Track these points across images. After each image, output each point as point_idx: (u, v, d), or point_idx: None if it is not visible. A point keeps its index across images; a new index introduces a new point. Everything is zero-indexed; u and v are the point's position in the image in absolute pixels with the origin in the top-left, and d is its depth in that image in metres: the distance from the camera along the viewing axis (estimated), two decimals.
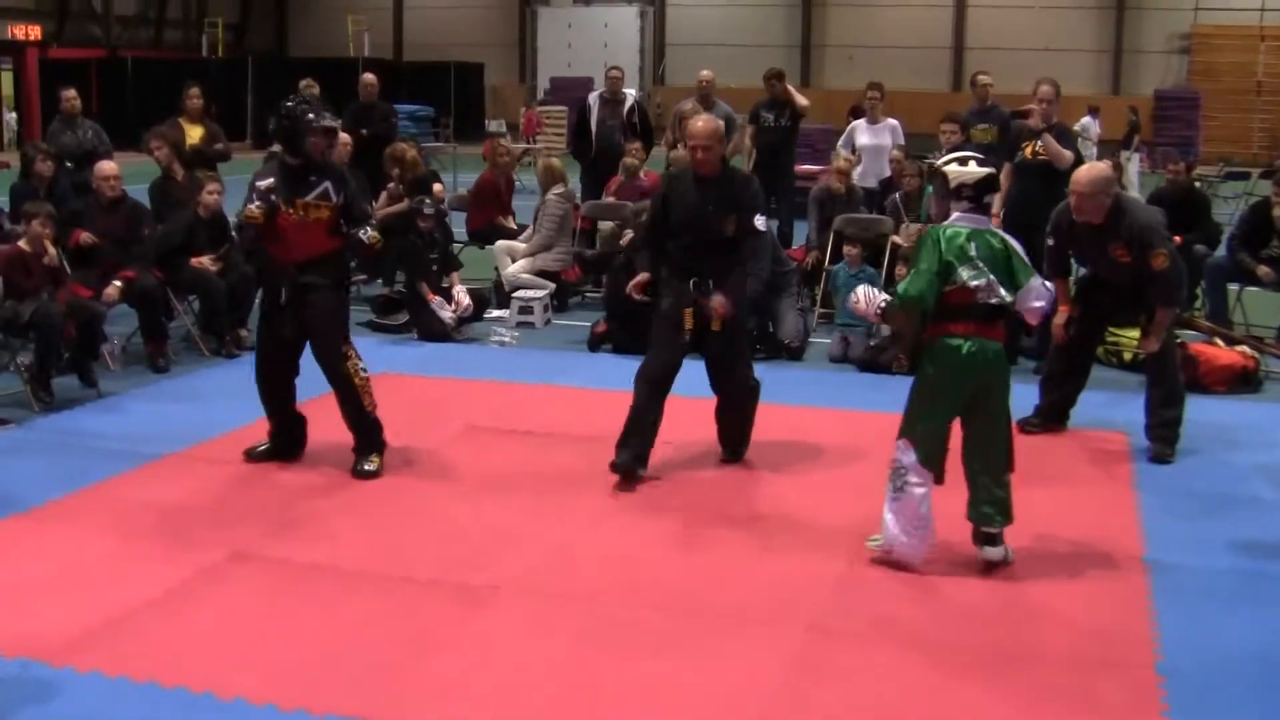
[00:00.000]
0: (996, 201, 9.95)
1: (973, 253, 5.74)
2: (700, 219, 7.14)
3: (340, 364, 7.19)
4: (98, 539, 6.15)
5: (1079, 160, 9.56)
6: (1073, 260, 8.33)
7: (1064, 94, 9.86)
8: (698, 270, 7.17)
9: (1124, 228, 7.58)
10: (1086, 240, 7.83)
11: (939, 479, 5.89)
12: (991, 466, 5.87)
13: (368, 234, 7.18)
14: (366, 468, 7.19)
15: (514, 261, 12.06)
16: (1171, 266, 7.53)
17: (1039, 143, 9.54)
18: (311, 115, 7.10)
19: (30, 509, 6.54)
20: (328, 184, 7.14)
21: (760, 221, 7.21)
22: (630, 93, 14.20)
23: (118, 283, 9.23)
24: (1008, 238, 5.92)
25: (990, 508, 5.85)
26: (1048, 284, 6.02)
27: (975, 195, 5.86)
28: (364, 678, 4.78)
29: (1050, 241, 8.10)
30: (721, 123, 7.55)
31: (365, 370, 7.28)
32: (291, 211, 7.09)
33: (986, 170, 5.93)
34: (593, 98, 14.07)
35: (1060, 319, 7.99)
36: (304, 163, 7.10)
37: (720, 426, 7.55)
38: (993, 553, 5.87)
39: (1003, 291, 5.75)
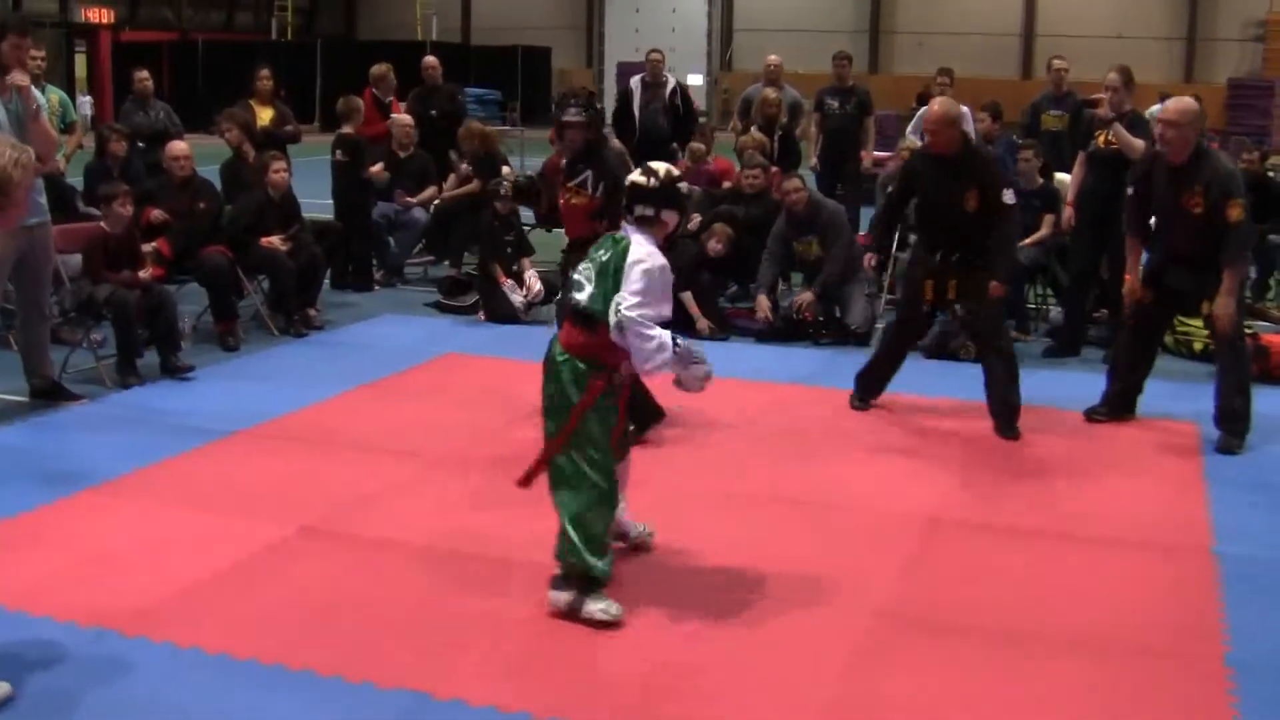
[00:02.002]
0: (1071, 190, 9.88)
1: (601, 255, 5.20)
2: (941, 195, 7.82)
3: None
4: (170, 512, 6.23)
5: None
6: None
7: (1136, 82, 9.69)
8: (943, 243, 7.88)
9: (1205, 171, 7.43)
10: (1163, 185, 7.64)
11: None
12: (560, 500, 5.23)
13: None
14: None
15: None
16: (1246, 221, 7.39)
17: (1111, 132, 9.42)
18: (556, 108, 7.55)
19: (104, 482, 6.64)
20: (588, 174, 7.41)
21: (1009, 195, 7.73)
22: (671, 76, 14.16)
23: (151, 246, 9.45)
24: (636, 252, 5.09)
25: (560, 541, 5.20)
26: (655, 338, 5.02)
27: (627, 205, 5.30)
28: (431, 652, 4.82)
29: (1130, 191, 8.03)
30: (958, 107, 8.01)
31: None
32: (565, 195, 7.52)
33: (638, 179, 5.30)
34: (634, 81, 14.03)
35: (1130, 286, 7.90)
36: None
37: (989, 401, 7.91)
38: (554, 597, 5.19)
39: (578, 295, 5.16)
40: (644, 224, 5.27)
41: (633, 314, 5.00)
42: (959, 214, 7.71)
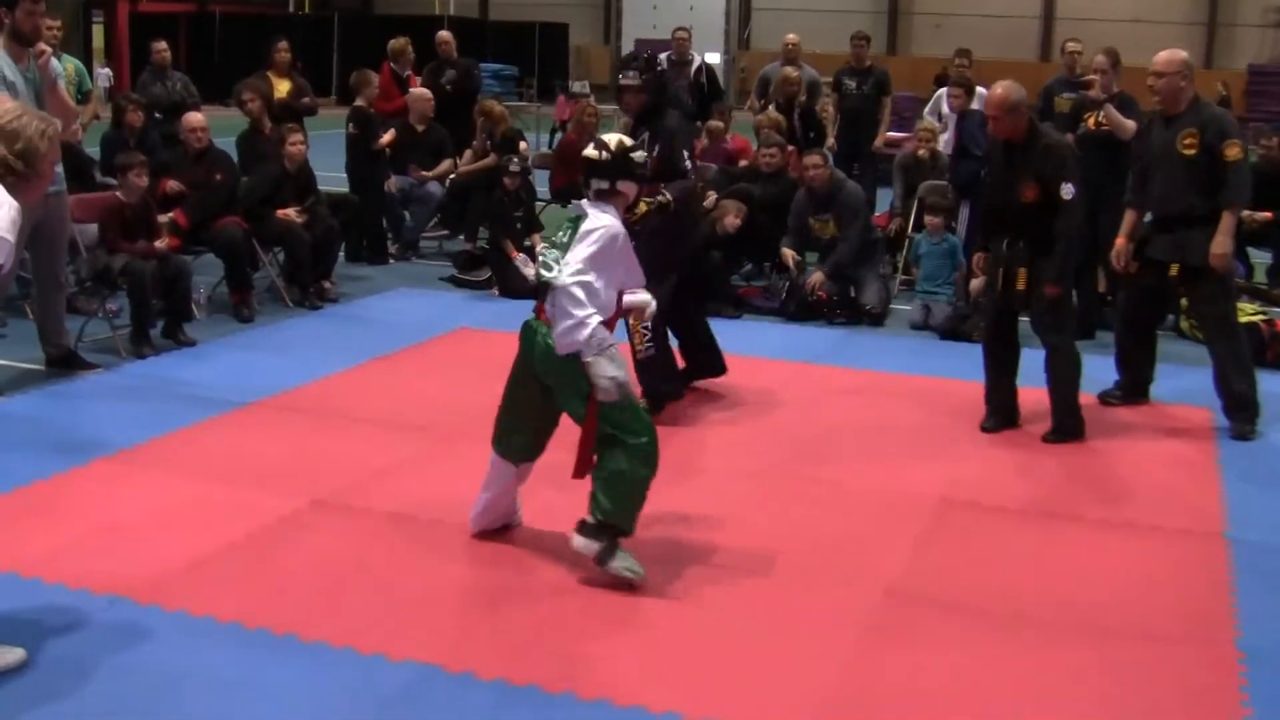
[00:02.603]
0: None
1: (562, 238, 5.31)
2: (1000, 183, 7.44)
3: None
4: (183, 482, 6.25)
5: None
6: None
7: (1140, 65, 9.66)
8: (1003, 232, 7.40)
9: (1202, 115, 7.44)
10: (1159, 138, 7.59)
11: (510, 458, 5.64)
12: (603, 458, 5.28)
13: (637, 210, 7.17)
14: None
15: None
16: (1244, 160, 7.36)
17: (1101, 114, 9.39)
18: (621, 71, 7.63)
19: (118, 451, 6.66)
20: (646, 135, 7.43)
21: (1068, 190, 7.14)
22: (697, 55, 14.13)
23: (167, 217, 9.46)
24: (582, 224, 5.26)
25: (598, 494, 5.25)
26: (580, 314, 5.08)
27: (584, 181, 5.49)
28: (442, 625, 4.85)
29: (1134, 149, 8.04)
30: (1020, 91, 7.45)
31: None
32: None
33: (590, 153, 5.46)
34: (660, 59, 13.99)
35: (1119, 248, 7.84)
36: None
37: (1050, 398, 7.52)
38: (582, 543, 5.25)
39: (546, 274, 5.21)
40: (601, 198, 5.40)
41: (570, 280, 5.09)
42: (1015, 204, 7.24)
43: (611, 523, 5.20)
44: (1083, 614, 5.13)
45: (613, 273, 5.25)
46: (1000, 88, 7.34)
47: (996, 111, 7.31)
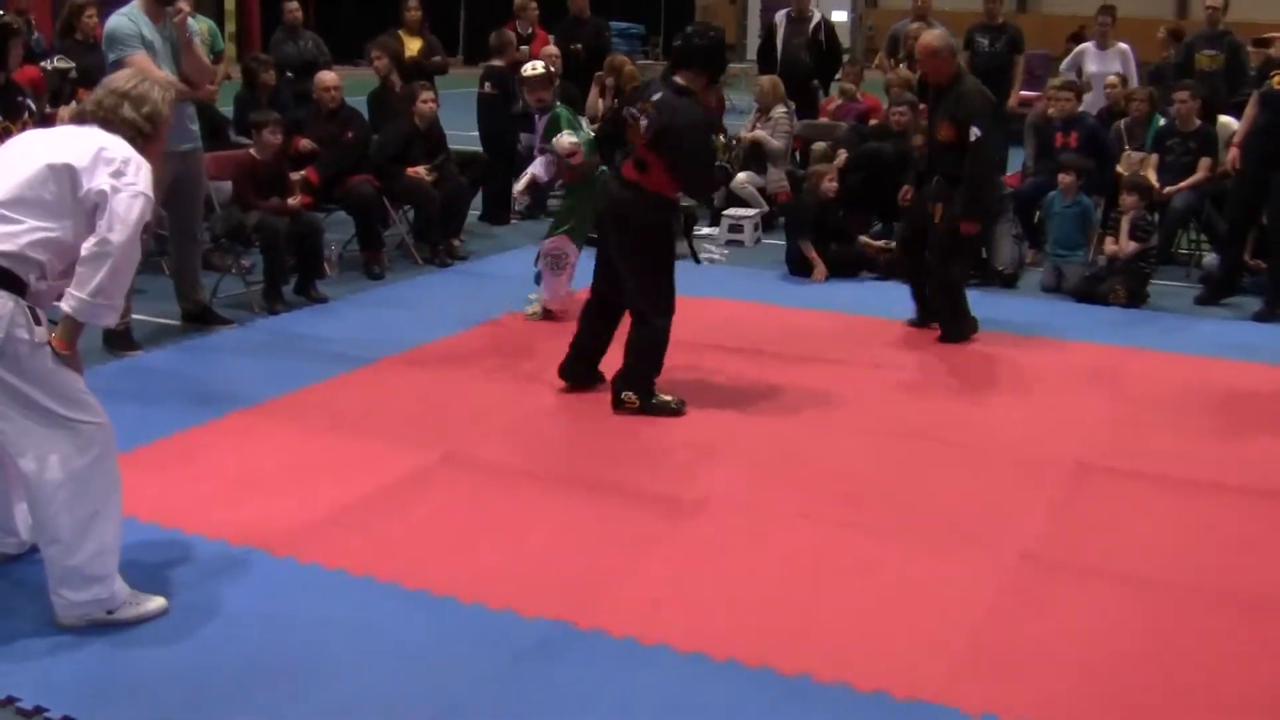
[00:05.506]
0: (1240, 130, 9.59)
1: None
2: (929, 124, 8.47)
3: None
4: (317, 436, 6.33)
5: None
6: None
7: None
8: (933, 170, 8.40)
9: None
10: None
11: None
12: None
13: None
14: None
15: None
16: None
17: None
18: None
19: (253, 405, 6.75)
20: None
21: (975, 132, 7.88)
22: (817, 12, 13.99)
23: (299, 174, 9.57)
24: None
25: None
26: None
27: None
28: (571, 583, 4.83)
29: None
30: (945, 39, 8.25)
31: None
32: None
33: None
34: (779, 16, 13.91)
35: None
36: None
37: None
38: None
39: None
40: None
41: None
42: (936, 143, 8.17)
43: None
44: (1224, 582, 5.00)
45: None
46: (927, 35, 8.25)
47: (922, 56, 8.19)
